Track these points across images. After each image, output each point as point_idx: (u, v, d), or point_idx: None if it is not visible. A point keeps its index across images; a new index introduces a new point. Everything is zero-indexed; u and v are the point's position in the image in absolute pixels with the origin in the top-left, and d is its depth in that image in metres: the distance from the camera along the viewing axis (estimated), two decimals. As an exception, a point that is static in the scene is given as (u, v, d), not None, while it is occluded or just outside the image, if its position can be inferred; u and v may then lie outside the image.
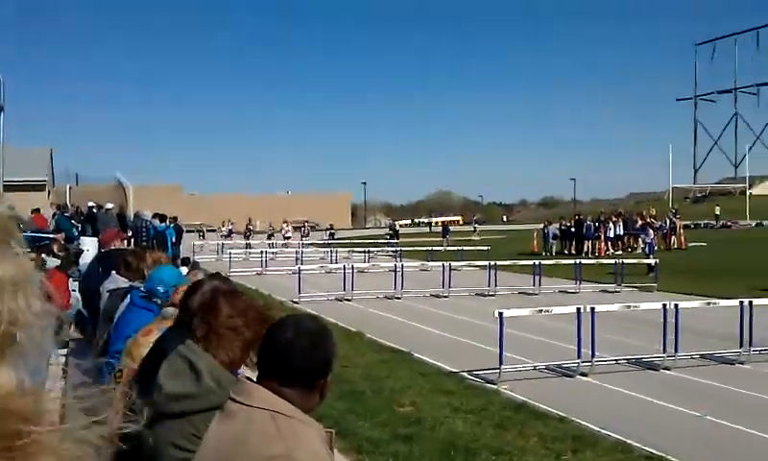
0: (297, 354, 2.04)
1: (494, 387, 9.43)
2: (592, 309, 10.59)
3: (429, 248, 31.81)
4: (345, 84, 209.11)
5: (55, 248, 12.10)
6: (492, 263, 20.92)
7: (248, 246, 37.72)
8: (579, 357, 10.14)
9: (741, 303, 11.33)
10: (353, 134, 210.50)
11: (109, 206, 28.94)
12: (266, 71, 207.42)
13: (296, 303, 17.55)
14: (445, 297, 19.60)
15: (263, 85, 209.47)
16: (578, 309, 10.51)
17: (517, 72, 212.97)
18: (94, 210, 27.40)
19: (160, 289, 4.97)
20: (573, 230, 37.10)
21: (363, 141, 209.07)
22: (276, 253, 34.83)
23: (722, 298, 13.22)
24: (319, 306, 16.70)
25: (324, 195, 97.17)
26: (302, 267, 21.58)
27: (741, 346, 11.11)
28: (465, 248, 30.19)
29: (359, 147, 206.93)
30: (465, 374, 10.20)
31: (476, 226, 59.08)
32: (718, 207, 60.15)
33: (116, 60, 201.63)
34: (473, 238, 43.28)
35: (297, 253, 31.75)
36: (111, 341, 5.12)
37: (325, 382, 2.12)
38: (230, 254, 30.03)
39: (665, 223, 37.74)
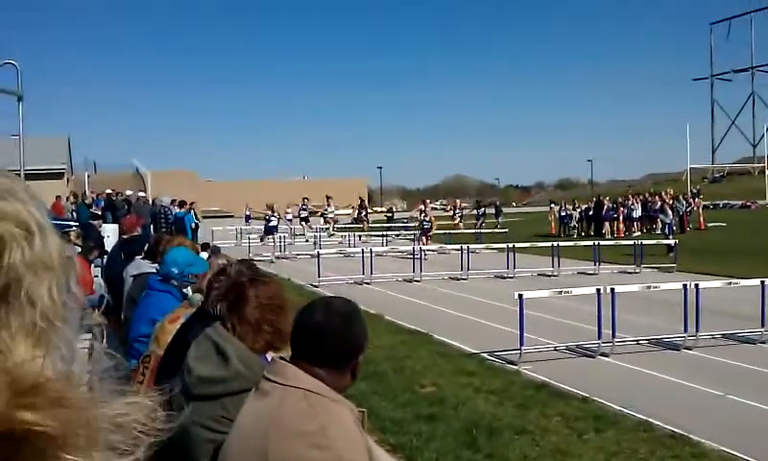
0: (328, 336, 2.08)
1: (515, 367, 9.45)
2: (612, 290, 10.55)
3: (446, 232, 31.73)
4: (360, 69, 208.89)
5: (72, 236, 12.15)
6: (511, 246, 20.88)
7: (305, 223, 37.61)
8: (599, 338, 10.13)
9: (762, 282, 11.24)
10: (369, 118, 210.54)
11: (141, 194, 29.18)
12: (281, 57, 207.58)
13: (315, 286, 17.62)
14: (464, 279, 19.60)
15: (278, 72, 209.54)
16: (598, 290, 10.48)
17: (533, 54, 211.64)
18: (113, 198, 27.65)
19: (174, 271, 5.04)
20: (592, 212, 36.93)
21: (379, 125, 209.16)
22: (295, 237, 34.87)
23: (743, 278, 13.12)
24: (338, 290, 16.75)
25: (341, 180, 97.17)
26: (321, 251, 21.64)
27: (763, 325, 11.05)
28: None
29: (375, 131, 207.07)
30: (485, 355, 10.22)
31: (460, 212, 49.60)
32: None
33: (132, 49, 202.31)
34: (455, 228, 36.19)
35: (315, 237, 31.77)
36: (133, 325, 5.20)
37: (357, 363, 2.15)
38: (249, 239, 30.13)
39: (682, 204, 37.45)
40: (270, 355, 2.74)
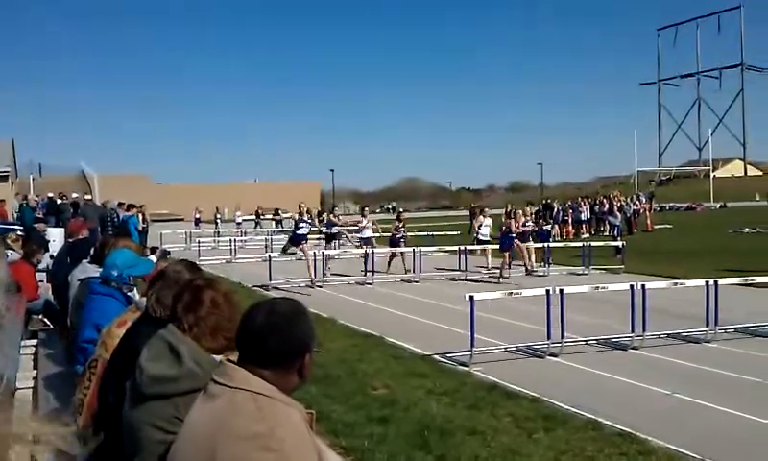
0: (271, 336, 2.07)
1: (467, 369, 9.51)
2: (561, 291, 10.69)
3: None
4: (312, 73, 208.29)
5: (10, 240, 11.82)
6: (462, 248, 21.04)
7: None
8: (549, 338, 10.26)
9: (707, 282, 11.53)
10: (321, 122, 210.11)
11: (87, 197, 28.62)
12: (231, 59, 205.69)
13: (267, 290, 17.51)
14: (416, 282, 19.68)
15: (230, 75, 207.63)
16: (547, 291, 10.61)
17: (485, 58, 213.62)
18: (56, 201, 27.09)
19: (114, 273, 4.97)
20: (542, 214, 37.40)
21: (332, 128, 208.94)
22: (245, 241, 34.65)
23: (688, 278, 13.42)
24: (289, 293, 16.67)
25: (293, 183, 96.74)
26: (272, 254, 21.51)
27: (707, 325, 11.32)
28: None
29: (329, 134, 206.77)
30: (437, 356, 10.27)
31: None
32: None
33: (82, 50, 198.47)
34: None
35: (266, 240, 31.58)
36: (79, 330, 5.11)
37: (304, 362, 2.14)
38: (199, 242, 29.82)
39: (630, 206, 38.19)
40: (219, 358, 2.72)
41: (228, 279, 18.29)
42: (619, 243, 23.30)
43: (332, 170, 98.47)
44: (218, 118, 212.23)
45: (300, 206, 20.57)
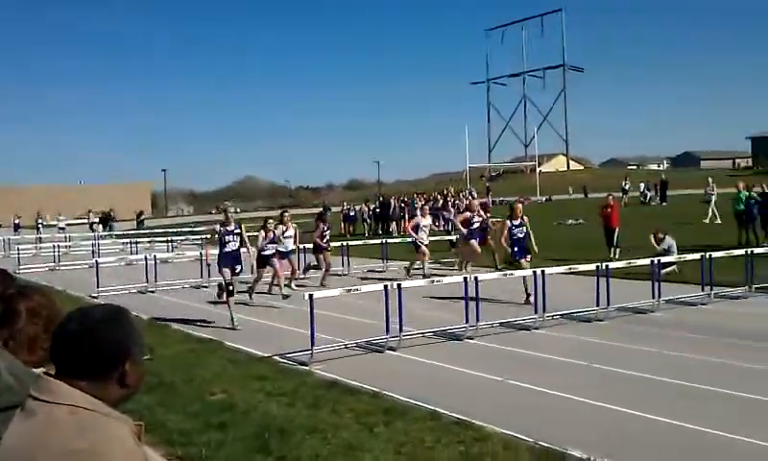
0: (83, 345, 1.94)
1: (307, 368, 9.45)
2: (399, 285, 10.89)
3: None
4: (135, 70, 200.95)
5: None
6: (301, 246, 20.95)
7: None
8: (387, 333, 10.41)
9: (534, 272, 12.16)
10: (151, 122, 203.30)
11: None
12: (56, 58, 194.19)
13: (95, 297, 16.62)
14: (255, 283, 19.38)
15: (54, 72, 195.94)
16: (385, 286, 10.76)
17: (317, 57, 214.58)
18: None
19: None
20: (379, 211, 38.07)
21: (162, 129, 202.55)
22: (69, 246, 32.79)
23: (517, 269, 14.06)
24: (120, 300, 15.94)
25: (123, 185, 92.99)
26: (100, 260, 20.42)
27: (536, 312, 11.93)
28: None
29: (158, 134, 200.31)
30: (277, 357, 10.14)
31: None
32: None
33: None
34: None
35: (93, 245, 30.06)
36: None
37: (125, 371, 2.00)
38: (19, 249, 27.87)
39: (463, 201, 39.64)
40: (39, 371, 2.54)
41: (53, 287, 17.19)
42: (453, 237, 24.10)
43: (164, 170, 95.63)
44: (40, 117, 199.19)
45: (266, 223, 15.42)
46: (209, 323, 13.12)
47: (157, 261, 19.51)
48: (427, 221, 20.36)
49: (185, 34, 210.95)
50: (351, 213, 39.03)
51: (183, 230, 41.46)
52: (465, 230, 18.04)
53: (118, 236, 38.75)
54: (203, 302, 16.22)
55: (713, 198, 32.47)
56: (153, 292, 18.00)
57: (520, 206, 15.44)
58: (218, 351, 10.72)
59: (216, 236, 13.04)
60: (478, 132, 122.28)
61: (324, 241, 18.25)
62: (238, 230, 12.92)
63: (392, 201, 39.47)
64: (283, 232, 16.14)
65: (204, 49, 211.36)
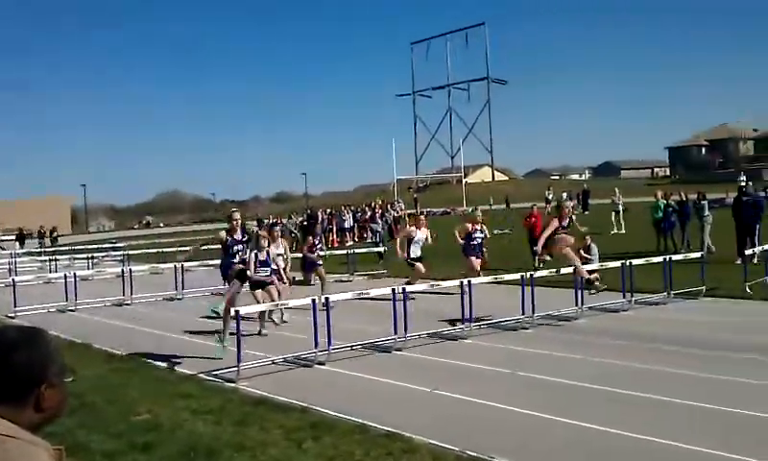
0: None
1: (233, 385, 9.30)
2: (327, 299, 10.85)
3: (160, 250, 30.63)
4: (55, 77, 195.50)
5: None
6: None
7: None
8: (316, 347, 10.34)
9: (461, 283, 12.28)
10: (71, 135, 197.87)
11: None
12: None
13: (11, 317, 16.00)
14: (179, 299, 19.03)
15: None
16: (313, 300, 10.69)
17: (245, 69, 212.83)
18: None
19: None
20: (306, 223, 37.88)
21: (80, 143, 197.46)
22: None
23: (444, 280, 14.19)
24: (38, 319, 15.40)
25: (39, 200, 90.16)
26: (17, 278, 19.66)
27: (463, 323, 12.05)
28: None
29: (77, 149, 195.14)
30: (203, 375, 9.95)
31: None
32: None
33: None
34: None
35: (9, 263, 28.97)
36: None
37: (41, 394, 1.92)
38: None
39: (391, 213, 39.82)
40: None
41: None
42: (381, 249, 24.17)
43: (84, 185, 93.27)
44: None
45: (259, 241, 12.85)
46: (132, 341, 12.79)
47: (77, 279, 18.91)
48: (422, 234, 17.06)
49: (95, 42, 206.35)
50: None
51: (104, 246, 40.45)
52: (462, 242, 16.62)
53: (36, 253, 37.47)
54: (126, 319, 15.80)
55: (621, 207, 32.76)
56: (73, 311, 17.44)
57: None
58: (143, 369, 10.46)
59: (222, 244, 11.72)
60: (405, 144, 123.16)
61: (316, 255, 17.65)
62: (246, 239, 11.83)
63: (319, 213, 39.34)
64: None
65: (120, 61, 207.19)
